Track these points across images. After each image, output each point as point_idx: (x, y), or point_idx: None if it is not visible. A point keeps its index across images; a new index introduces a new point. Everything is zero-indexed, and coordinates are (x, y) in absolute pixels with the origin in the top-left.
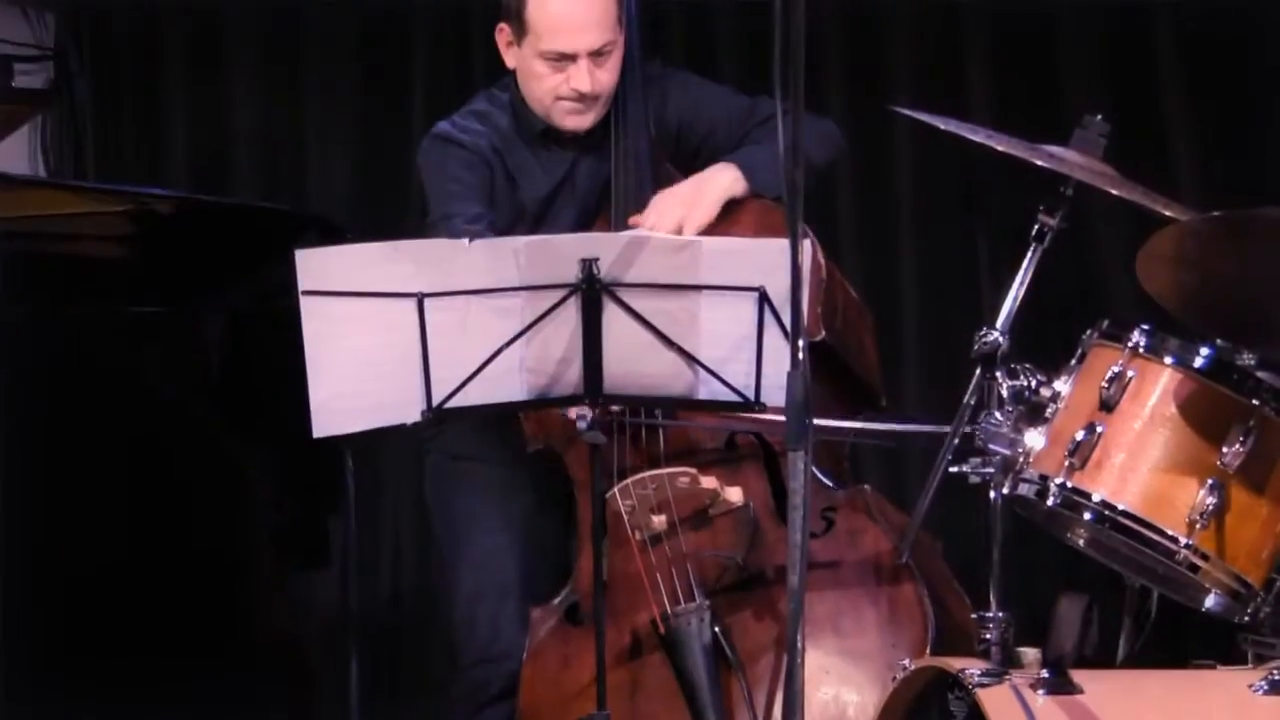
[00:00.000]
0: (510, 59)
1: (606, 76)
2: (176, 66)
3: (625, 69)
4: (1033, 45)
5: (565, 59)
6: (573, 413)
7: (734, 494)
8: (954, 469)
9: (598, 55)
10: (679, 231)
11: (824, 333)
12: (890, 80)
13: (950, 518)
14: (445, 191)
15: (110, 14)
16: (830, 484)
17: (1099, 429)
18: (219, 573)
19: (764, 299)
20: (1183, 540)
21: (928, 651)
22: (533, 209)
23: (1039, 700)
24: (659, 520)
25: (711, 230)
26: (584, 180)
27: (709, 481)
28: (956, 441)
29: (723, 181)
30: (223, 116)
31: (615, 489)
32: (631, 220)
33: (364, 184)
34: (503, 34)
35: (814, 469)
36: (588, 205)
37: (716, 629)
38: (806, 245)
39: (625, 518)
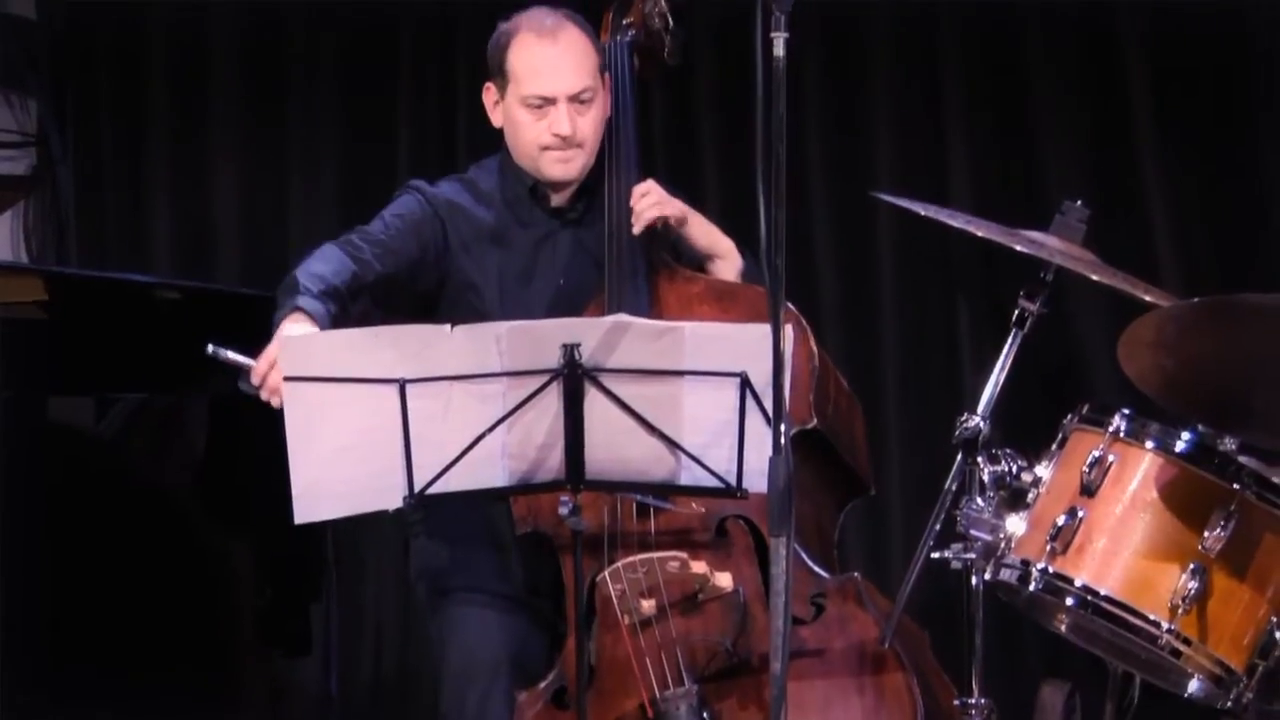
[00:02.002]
0: (497, 117)
1: (587, 125)
2: (159, 151)
3: (620, 150)
4: (1013, 127)
5: (546, 103)
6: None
7: (724, 579)
8: (936, 554)
9: (578, 102)
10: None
11: (816, 420)
12: (871, 165)
13: (932, 603)
14: (378, 216)
15: (93, 100)
16: (820, 571)
17: (1080, 514)
18: (201, 657)
19: (746, 384)
20: (1165, 625)
21: None
22: (511, 270)
23: None
24: (649, 604)
25: (701, 305)
26: (566, 250)
27: (699, 566)
28: (938, 527)
29: (724, 241)
30: (205, 200)
31: (605, 572)
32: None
33: None
34: (489, 93)
35: (804, 555)
36: (569, 271)
37: (705, 714)
38: (793, 331)
39: (615, 601)
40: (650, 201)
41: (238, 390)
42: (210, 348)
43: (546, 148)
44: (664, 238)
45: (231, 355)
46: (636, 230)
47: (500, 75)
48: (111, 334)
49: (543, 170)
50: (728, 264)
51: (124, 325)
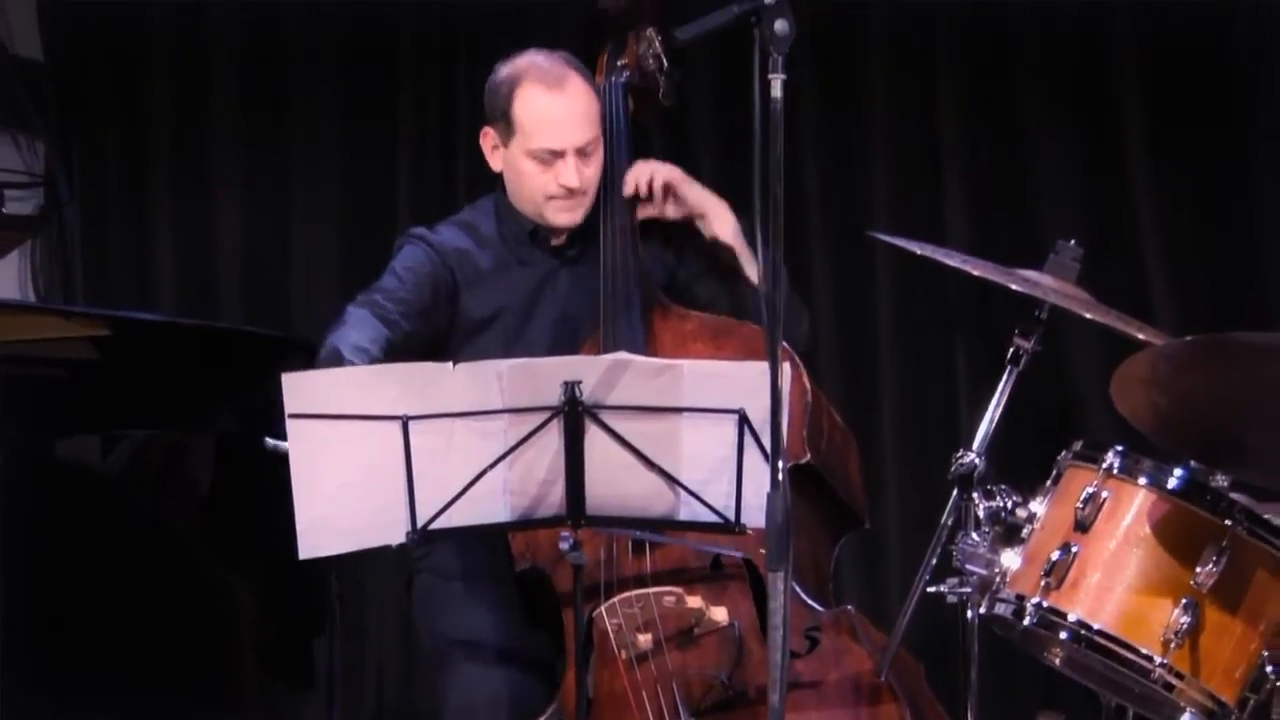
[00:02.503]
0: (496, 162)
1: (591, 172)
2: (163, 192)
3: (612, 188)
4: (1009, 167)
5: (554, 156)
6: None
7: (719, 613)
8: (932, 589)
9: (582, 152)
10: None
11: (810, 455)
12: (868, 204)
13: (928, 637)
14: (391, 272)
15: (98, 140)
16: (815, 605)
17: (1074, 549)
18: (205, 691)
19: (744, 421)
20: (1158, 659)
21: None
22: (514, 308)
23: None
24: (645, 639)
25: (698, 342)
26: (565, 286)
27: (694, 601)
28: (934, 561)
29: (715, 197)
30: (209, 240)
31: (602, 607)
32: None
33: (347, 303)
34: (488, 138)
35: (799, 589)
36: (566, 313)
37: None
38: (788, 369)
39: (612, 636)
40: (646, 172)
41: (242, 427)
42: (269, 442)
43: (552, 197)
44: (667, 263)
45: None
46: (632, 191)
47: (504, 123)
48: (120, 371)
49: (547, 218)
50: (719, 218)
51: (133, 362)
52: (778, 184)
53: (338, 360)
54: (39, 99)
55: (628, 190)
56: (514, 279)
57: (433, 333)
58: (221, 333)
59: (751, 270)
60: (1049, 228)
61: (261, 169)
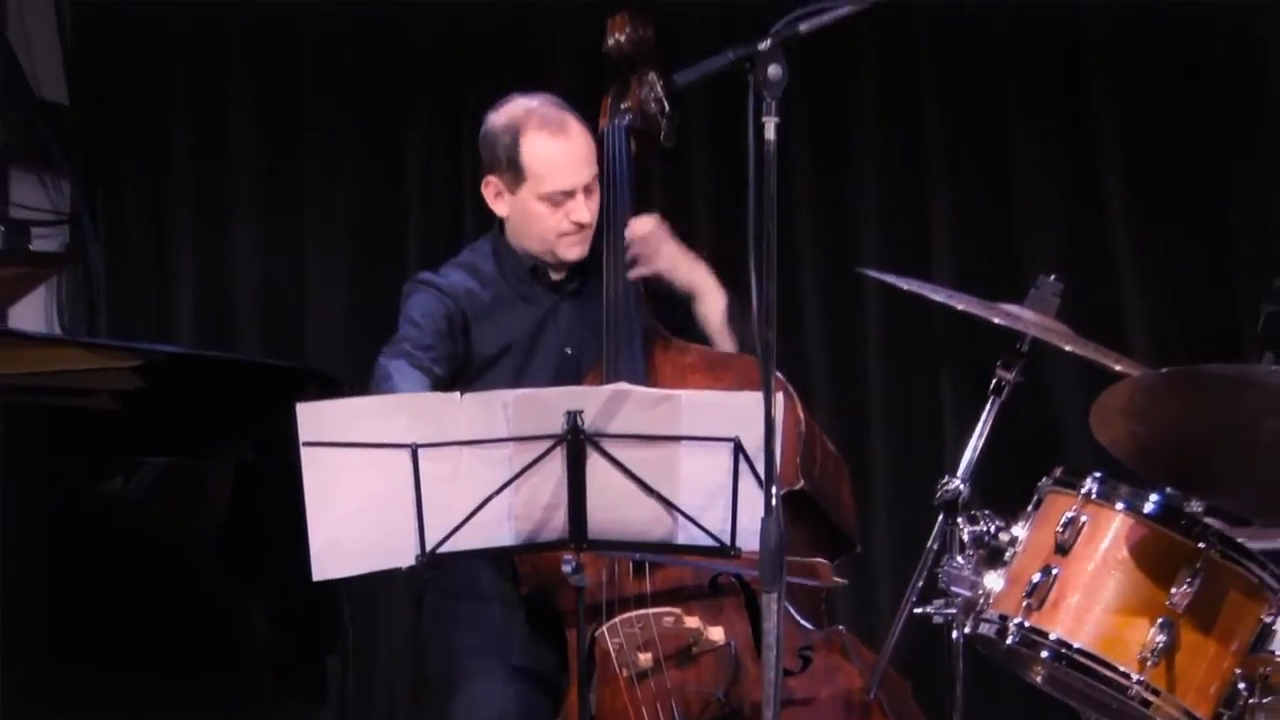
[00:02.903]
0: (501, 208)
1: (595, 206)
2: (183, 229)
3: (613, 226)
4: (993, 207)
5: (566, 196)
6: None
7: (716, 633)
8: (919, 610)
9: (588, 189)
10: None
11: (803, 481)
12: (858, 242)
13: (916, 655)
14: (410, 321)
15: (121, 181)
16: (808, 625)
17: (1055, 571)
18: (224, 708)
19: (739, 449)
20: (1135, 677)
21: None
22: (519, 343)
23: None
24: (645, 658)
25: (694, 374)
26: (567, 319)
27: (692, 621)
28: (921, 584)
29: (710, 279)
30: (226, 275)
31: (604, 627)
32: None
33: (359, 334)
34: (490, 186)
35: (792, 610)
36: (569, 340)
37: None
38: (782, 398)
39: (613, 655)
40: (641, 255)
41: (258, 455)
42: None
43: (564, 234)
44: (662, 301)
45: None
46: (632, 277)
47: (511, 171)
48: (141, 401)
49: (559, 254)
50: (710, 302)
51: (153, 393)
52: (771, 222)
53: None
54: (64, 140)
55: (631, 276)
56: (518, 315)
57: (452, 371)
58: (238, 364)
59: (728, 346)
60: (1030, 263)
61: (276, 207)
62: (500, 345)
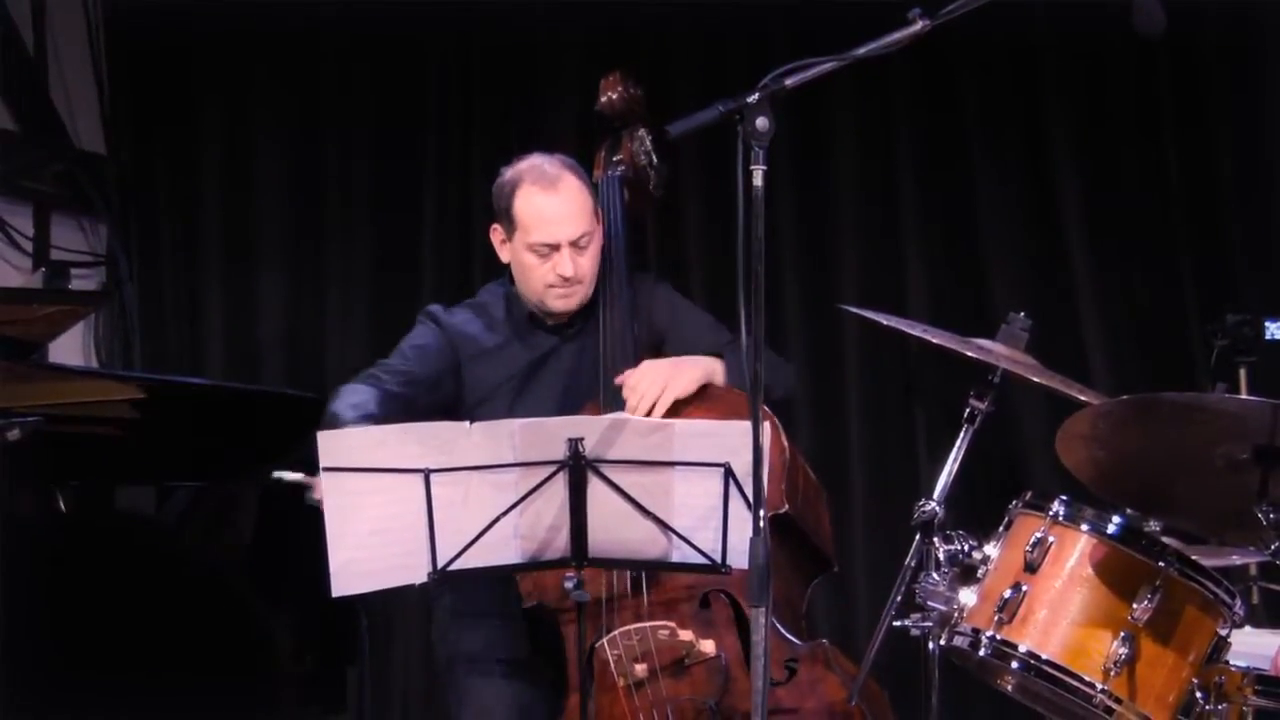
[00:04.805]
0: (504, 254)
1: (587, 263)
2: (212, 269)
3: (613, 273)
4: (964, 249)
5: (551, 249)
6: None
7: (708, 646)
8: (897, 623)
9: (577, 245)
10: (662, 391)
11: (786, 506)
12: (839, 281)
13: (894, 666)
14: (399, 351)
15: (155, 225)
16: (793, 639)
17: (1024, 588)
18: (248, 717)
19: (729, 474)
20: (1099, 686)
21: None
22: (515, 380)
23: None
24: (641, 668)
25: (689, 407)
26: (565, 360)
27: (686, 634)
28: (899, 599)
29: (705, 364)
30: (253, 313)
31: (603, 640)
32: (618, 380)
33: None
34: (496, 233)
35: (777, 625)
36: (572, 381)
37: None
38: (768, 428)
39: (611, 665)
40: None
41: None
42: (274, 474)
43: (551, 286)
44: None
45: (293, 476)
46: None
47: (507, 220)
48: (172, 430)
49: (547, 305)
50: (716, 378)
51: (184, 423)
52: (759, 264)
53: (336, 422)
54: (101, 187)
55: (627, 393)
56: (515, 354)
57: (434, 402)
58: (263, 395)
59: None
60: (1000, 301)
61: (300, 248)
62: (497, 381)
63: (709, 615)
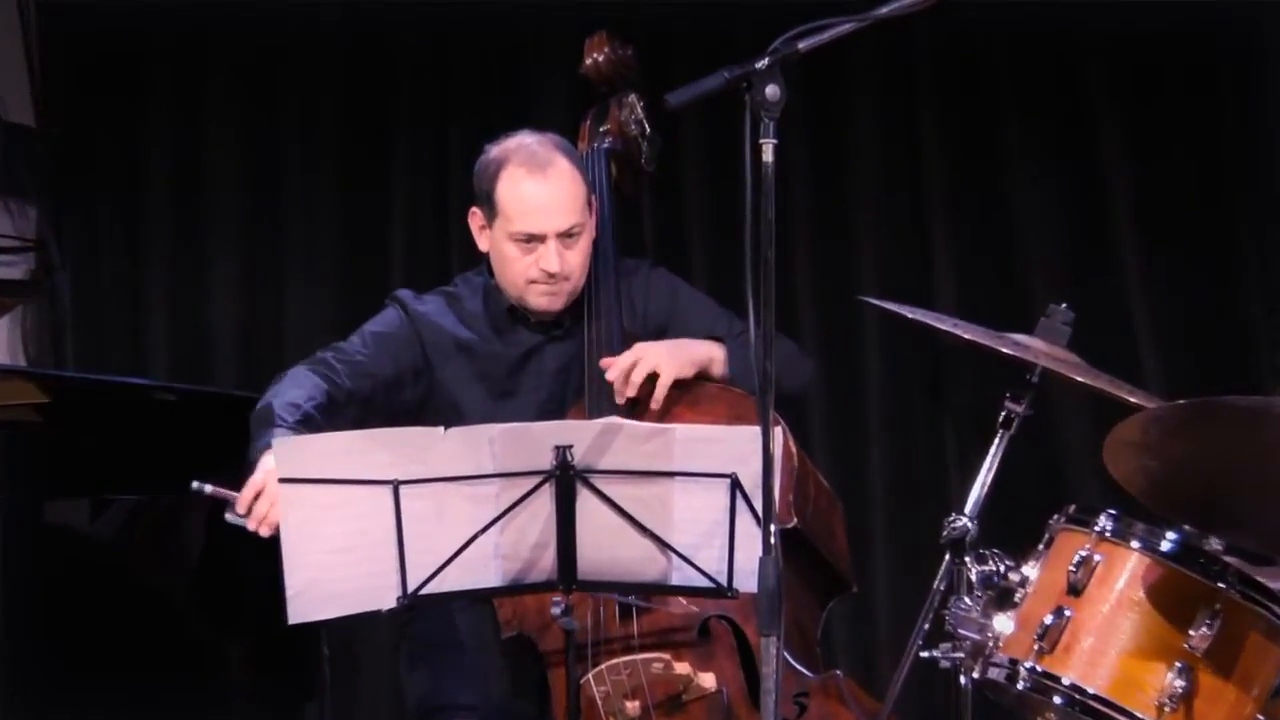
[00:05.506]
0: (483, 242)
1: (575, 258)
2: (157, 255)
3: (598, 259)
4: (997, 230)
5: (534, 240)
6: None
7: (707, 680)
8: (925, 654)
9: (566, 237)
10: (653, 376)
11: (795, 520)
12: (858, 270)
13: (921, 702)
14: (359, 332)
15: (93, 206)
16: (803, 670)
17: (1067, 613)
18: None
19: (736, 485)
20: None
21: None
22: (496, 386)
23: None
24: (633, 706)
25: (684, 408)
26: (550, 362)
27: (682, 667)
28: (927, 626)
29: (705, 349)
30: (203, 307)
31: (590, 674)
32: (604, 362)
33: None
34: (475, 217)
35: (787, 655)
36: (554, 388)
37: None
38: (778, 433)
39: (599, 703)
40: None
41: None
42: (194, 484)
43: (533, 281)
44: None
45: (215, 490)
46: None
47: (488, 204)
48: (109, 436)
49: (528, 302)
50: (715, 368)
51: (121, 428)
52: (769, 249)
53: (268, 419)
54: (32, 163)
55: (618, 388)
56: (493, 353)
57: (400, 403)
58: (212, 397)
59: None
60: (1039, 292)
61: (257, 237)
62: (468, 385)
63: (708, 644)
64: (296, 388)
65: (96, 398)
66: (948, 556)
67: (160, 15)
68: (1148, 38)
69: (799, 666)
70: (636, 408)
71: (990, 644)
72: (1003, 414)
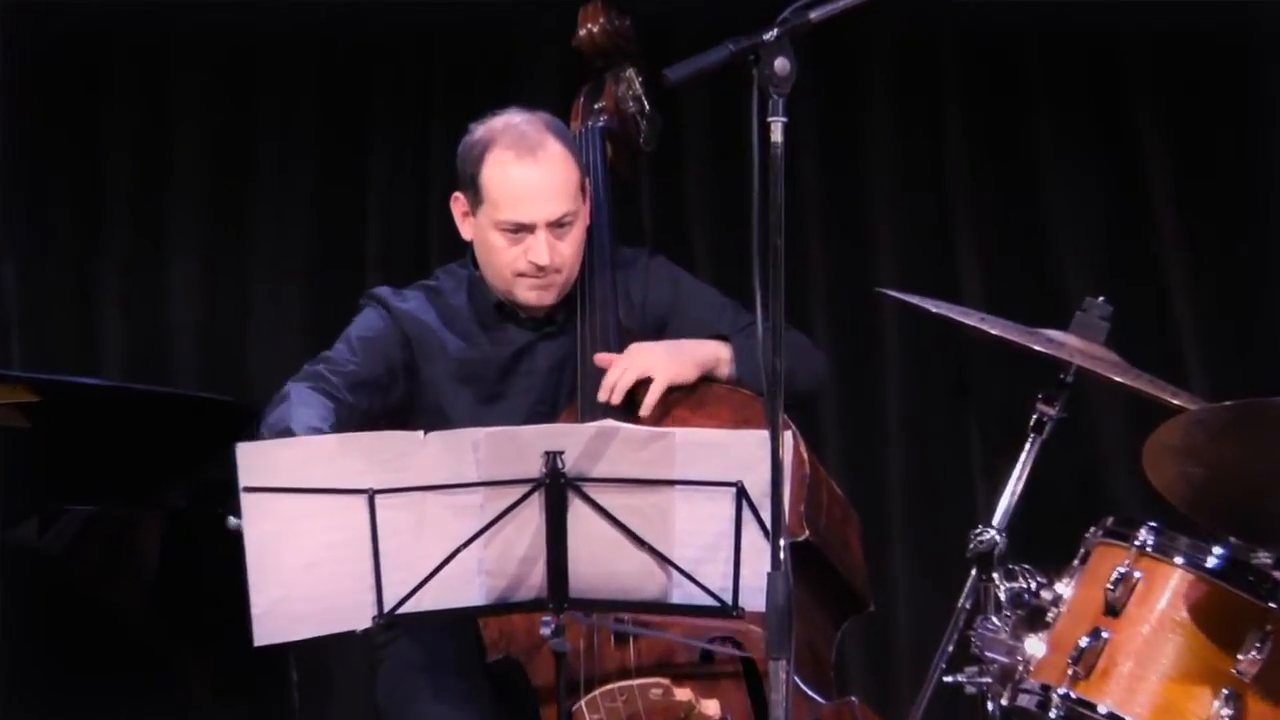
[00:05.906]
0: (466, 230)
1: (568, 249)
2: (111, 251)
3: (593, 248)
4: (1029, 228)
5: (523, 230)
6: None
7: (711, 707)
8: (948, 678)
9: (557, 226)
10: (646, 379)
11: (807, 532)
12: (875, 261)
13: None
14: (344, 339)
15: (42, 195)
16: (816, 696)
17: (1104, 635)
18: None
19: (742, 495)
20: None
21: None
22: (484, 390)
23: None
24: None
25: (687, 411)
26: (543, 361)
27: (683, 693)
28: (951, 648)
29: (709, 349)
30: (161, 305)
31: (583, 702)
32: (598, 358)
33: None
34: (458, 203)
35: (798, 680)
36: (546, 390)
37: None
38: (788, 438)
39: None
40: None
41: (195, 504)
42: (231, 521)
43: (521, 274)
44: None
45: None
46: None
47: (472, 189)
48: (58, 443)
49: (516, 296)
50: (721, 369)
51: (72, 433)
52: (778, 236)
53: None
54: None
55: (601, 396)
56: (479, 352)
57: (385, 406)
58: (169, 399)
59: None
60: (1073, 285)
61: (221, 232)
62: (453, 386)
63: (711, 668)
64: (306, 407)
65: (47, 399)
66: (974, 572)
67: (129, 15)
68: (1185, 36)
69: (811, 692)
70: (633, 412)
71: (1020, 668)
72: (1034, 417)
